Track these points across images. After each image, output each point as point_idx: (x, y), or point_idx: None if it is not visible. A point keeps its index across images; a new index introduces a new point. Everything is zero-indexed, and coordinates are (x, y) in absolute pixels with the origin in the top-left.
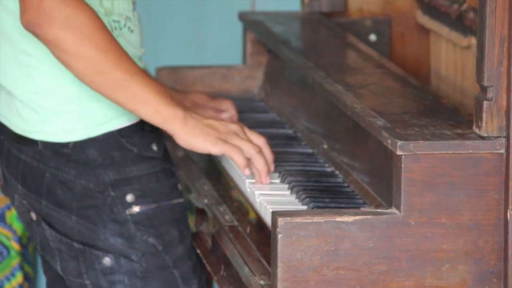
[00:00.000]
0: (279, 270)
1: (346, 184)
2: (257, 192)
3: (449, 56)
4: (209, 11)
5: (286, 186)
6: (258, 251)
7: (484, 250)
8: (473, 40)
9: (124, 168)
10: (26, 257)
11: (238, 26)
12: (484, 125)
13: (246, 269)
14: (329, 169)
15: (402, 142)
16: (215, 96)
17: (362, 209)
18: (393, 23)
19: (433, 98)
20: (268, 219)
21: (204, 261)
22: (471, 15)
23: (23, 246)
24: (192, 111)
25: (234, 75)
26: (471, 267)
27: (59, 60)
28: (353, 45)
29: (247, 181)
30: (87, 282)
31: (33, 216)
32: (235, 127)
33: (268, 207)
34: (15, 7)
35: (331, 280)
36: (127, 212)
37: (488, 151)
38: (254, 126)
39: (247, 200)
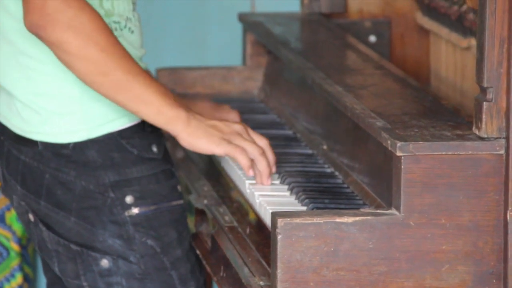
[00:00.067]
0: (278, 271)
1: (345, 185)
2: (256, 193)
3: (449, 57)
4: (209, 12)
5: (286, 187)
6: (257, 251)
7: (484, 251)
8: (473, 41)
9: (124, 169)
10: (25, 258)
11: (238, 27)
12: (483, 126)
13: (245, 269)
14: (328, 170)
15: (402, 143)
16: (216, 97)
17: (361, 210)
18: (393, 24)
19: (433, 99)
20: (267, 220)
21: (204, 262)
22: (471, 16)
23: (23, 247)
24: (195, 112)
25: (234, 76)
26: (470, 268)
27: (62, 61)
28: (353, 46)
29: (247, 182)
30: (85, 283)
31: (31, 217)
32: (238, 127)
33: (267, 208)
34: (16, 9)
35: (331, 281)
36: (126, 213)
37: (488, 152)
38: (254, 127)
39: (246, 201)
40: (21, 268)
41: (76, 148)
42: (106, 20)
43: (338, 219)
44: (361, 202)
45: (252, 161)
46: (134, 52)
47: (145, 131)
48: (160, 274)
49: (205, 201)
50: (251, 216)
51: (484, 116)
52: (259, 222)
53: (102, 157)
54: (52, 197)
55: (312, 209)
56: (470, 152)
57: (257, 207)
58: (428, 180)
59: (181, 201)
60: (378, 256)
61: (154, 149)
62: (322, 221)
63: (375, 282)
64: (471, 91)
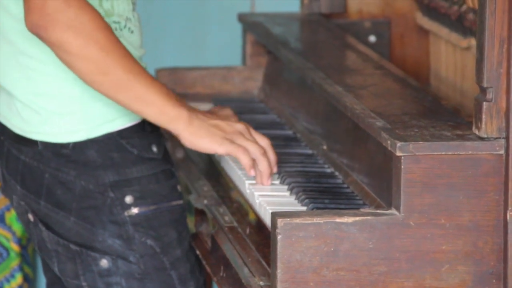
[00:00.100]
0: (278, 271)
1: (345, 185)
2: (256, 193)
3: (448, 57)
4: (208, 12)
5: (286, 187)
6: (257, 252)
7: (484, 251)
8: (473, 41)
9: (124, 169)
10: (25, 258)
11: (238, 27)
12: (483, 126)
13: (245, 270)
14: (328, 170)
15: (402, 143)
16: (216, 97)
17: (361, 210)
18: (392, 24)
19: (432, 99)
20: (267, 220)
21: (204, 262)
22: (470, 16)
23: (23, 247)
24: (197, 111)
25: (233, 76)
26: (470, 268)
27: (63, 61)
28: (352, 46)
29: (247, 182)
30: (84, 283)
31: (31, 217)
32: (240, 127)
33: (267, 208)
34: (17, 10)
35: (331, 281)
36: (125, 213)
37: (488, 152)
38: (253, 127)
39: (246, 201)
40: (21, 268)
41: (76, 148)
42: (106, 20)
43: (338, 219)
44: (361, 202)
45: (253, 161)
46: (134, 52)
47: (145, 131)
48: (159, 274)
49: (205, 201)
50: (251, 216)
51: (484, 116)
52: (259, 222)
53: (102, 157)
54: (52, 197)
55: (312, 209)
56: (470, 152)
57: (257, 207)
58: (428, 180)
59: (181, 201)
60: (378, 256)
61: (154, 149)
62: (322, 221)
63: (375, 282)
64: (471, 91)
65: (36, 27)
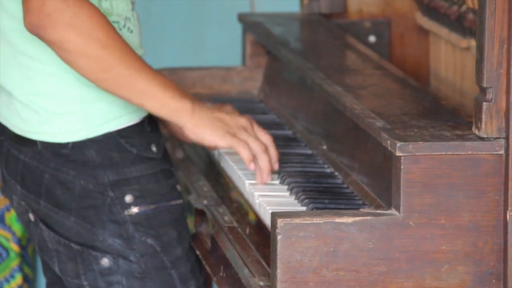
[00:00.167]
0: (278, 271)
1: (345, 185)
2: (256, 193)
3: (448, 58)
4: (208, 12)
5: (286, 187)
6: (257, 252)
7: (484, 251)
8: (473, 42)
9: (123, 168)
10: (25, 259)
11: (237, 28)
12: (483, 126)
13: (245, 270)
14: (328, 170)
15: (402, 143)
16: (215, 97)
17: (361, 210)
18: (392, 24)
19: (432, 100)
20: (267, 220)
21: (204, 262)
22: (470, 16)
23: (23, 247)
24: (201, 103)
25: (233, 77)
26: (470, 268)
27: (64, 60)
28: (352, 46)
29: (247, 182)
30: (85, 283)
31: (31, 217)
32: (244, 121)
33: (267, 208)
34: (15, 10)
35: (331, 281)
36: (125, 212)
37: (488, 152)
38: None
39: (246, 201)
40: (20, 269)
41: (75, 147)
42: None
43: (337, 219)
44: (360, 202)
45: (254, 156)
46: None
47: (145, 130)
48: (160, 273)
49: (205, 202)
50: (251, 217)
51: (483, 116)
52: (259, 222)
53: (101, 157)
54: (52, 197)
55: (312, 209)
56: (469, 152)
57: (256, 207)
58: (428, 180)
59: (180, 201)
60: (378, 256)
61: (154, 148)
62: (321, 221)
63: (375, 282)
64: (470, 91)
65: (35, 27)
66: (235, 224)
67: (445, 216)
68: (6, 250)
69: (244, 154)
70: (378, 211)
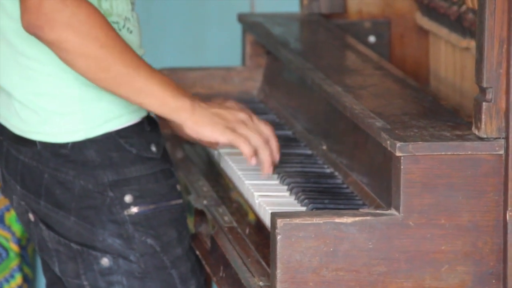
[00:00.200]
0: (278, 271)
1: (345, 185)
2: (256, 194)
3: (448, 58)
4: (208, 13)
5: (285, 187)
6: (257, 252)
7: (483, 251)
8: (472, 42)
9: (123, 168)
10: (25, 259)
11: (237, 28)
12: (483, 126)
13: (245, 270)
14: (328, 170)
15: (401, 143)
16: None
17: (361, 210)
18: (392, 24)
19: (432, 100)
20: (267, 221)
21: (203, 262)
22: (470, 16)
23: (22, 247)
24: (200, 100)
25: (233, 77)
26: (470, 268)
27: (62, 60)
28: (352, 46)
29: (246, 182)
30: (85, 283)
31: (31, 217)
32: (243, 116)
33: (267, 208)
34: (14, 10)
35: (330, 281)
36: (125, 212)
37: (487, 153)
38: None
39: (246, 201)
40: (20, 269)
41: (75, 147)
42: None
43: (337, 220)
44: (360, 202)
45: (254, 150)
46: None
47: (144, 130)
48: (160, 273)
49: (205, 202)
50: (251, 217)
51: (483, 117)
52: (259, 223)
53: (101, 157)
54: (52, 197)
55: (312, 209)
56: (469, 153)
57: (256, 208)
58: (428, 181)
59: (180, 201)
60: (378, 257)
61: (153, 148)
62: (321, 222)
63: (375, 283)
64: (470, 92)
65: (33, 27)
66: (234, 224)
67: (445, 216)
68: (6, 250)
69: (245, 149)
70: (378, 211)
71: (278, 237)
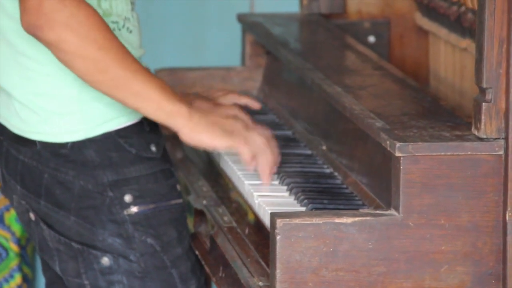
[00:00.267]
0: (277, 271)
1: (344, 186)
2: (255, 194)
3: (448, 58)
4: (208, 13)
5: (285, 187)
6: (256, 252)
7: (483, 252)
8: (472, 42)
9: (123, 168)
10: (24, 259)
11: (237, 28)
12: (483, 126)
13: (244, 270)
14: (327, 171)
15: (401, 143)
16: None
17: (360, 210)
18: (392, 24)
19: (432, 100)
20: (266, 221)
21: (203, 262)
22: (470, 16)
23: (22, 247)
24: (197, 107)
25: (233, 77)
26: (469, 268)
27: (60, 61)
28: (352, 46)
29: (246, 182)
30: (86, 282)
31: (32, 216)
32: (240, 121)
33: (266, 208)
34: (13, 10)
35: (330, 282)
36: (125, 212)
37: (487, 153)
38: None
39: (245, 201)
40: (20, 269)
41: (74, 147)
42: (104, 20)
43: (337, 220)
44: (360, 202)
45: (253, 156)
46: (133, 52)
47: (144, 130)
48: (160, 273)
49: (204, 202)
50: (250, 217)
51: (483, 117)
52: (258, 223)
53: (100, 157)
54: (51, 197)
55: (311, 209)
56: (469, 153)
57: (256, 208)
58: (427, 181)
59: (180, 200)
60: (377, 257)
61: (153, 148)
62: (321, 222)
63: (374, 283)
64: (470, 92)
65: (32, 27)
66: (234, 224)
67: (445, 216)
68: (6, 250)
69: (244, 154)
70: (377, 212)
71: (278, 237)
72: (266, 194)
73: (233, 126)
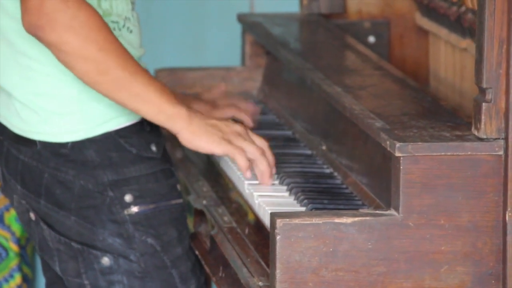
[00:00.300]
0: (277, 271)
1: (344, 186)
2: (255, 194)
3: (448, 58)
4: (208, 13)
5: (285, 187)
6: (256, 252)
7: (483, 252)
8: (472, 42)
9: (123, 168)
10: (24, 259)
11: (237, 28)
12: (482, 127)
13: (244, 270)
14: (327, 171)
15: (401, 143)
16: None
17: (360, 210)
18: (392, 24)
19: (432, 100)
20: (266, 221)
21: (203, 262)
22: (470, 16)
23: (22, 247)
24: (196, 110)
25: (233, 77)
26: (469, 268)
27: (61, 61)
28: (352, 46)
29: (246, 182)
30: (86, 282)
31: (32, 216)
32: (238, 128)
33: (266, 208)
34: (14, 10)
35: (330, 282)
36: (125, 212)
37: (487, 153)
38: (253, 127)
39: (245, 201)
40: (20, 269)
41: (75, 147)
42: (105, 20)
43: (337, 220)
44: (360, 202)
45: (250, 162)
46: (133, 52)
47: (144, 130)
48: (160, 273)
49: (204, 202)
50: (250, 217)
51: (483, 117)
52: (258, 223)
53: (100, 157)
54: (52, 197)
55: (311, 209)
56: (469, 153)
57: (256, 208)
58: (427, 181)
59: (180, 200)
60: (377, 257)
61: (153, 148)
62: (321, 222)
63: (374, 283)
64: (470, 92)
65: (34, 27)
66: (234, 224)
67: (445, 216)
68: (5, 250)
69: (241, 161)
70: (377, 212)
71: (278, 237)
72: (266, 194)
73: (231, 133)
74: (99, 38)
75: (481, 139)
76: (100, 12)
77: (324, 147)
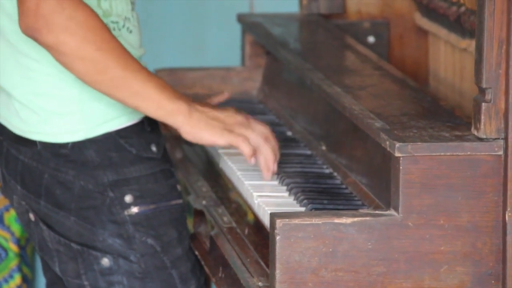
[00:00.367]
0: (277, 271)
1: (344, 186)
2: (255, 194)
3: (447, 58)
4: (207, 13)
5: (285, 187)
6: (256, 252)
7: (483, 252)
8: (472, 42)
9: (123, 169)
10: (24, 259)
11: (237, 28)
12: (482, 127)
13: (244, 270)
14: (327, 171)
15: (401, 143)
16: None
17: (360, 210)
18: (391, 25)
19: (431, 100)
20: (266, 221)
21: (202, 263)
22: (469, 17)
23: (21, 247)
24: (196, 103)
25: (232, 77)
26: (469, 268)
27: (60, 62)
28: (351, 47)
29: (246, 182)
30: (86, 283)
31: (32, 216)
32: (240, 117)
33: (266, 208)
34: (14, 10)
35: (329, 282)
36: (125, 212)
37: (487, 153)
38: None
39: (245, 201)
40: (19, 269)
41: (75, 148)
42: (104, 20)
43: (336, 220)
44: (359, 203)
45: (254, 150)
46: (133, 52)
47: (144, 130)
48: (160, 273)
49: (204, 202)
50: (250, 217)
51: (482, 117)
52: (258, 223)
53: (100, 157)
54: (52, 197)
55: (311, 210)
56: (468, 153)
57: (255, 208)
58: (427, 181)
59: (180, 201)
60: (377, 257)
61: (153, 148)
62: (320, 222)
63: (374, 283)
64: (469, 92)
65: (31, 30)
66: (234, 224)
67: (444, 216)
68: (5, 250)
69: (245, 149)
70: (377, 212)
71: (277, 238)
72: (265, 194)
73: (233, 123)
74: (96, 38)
75: (480, 139)
76: (100, 13)
77: (324, 147)
